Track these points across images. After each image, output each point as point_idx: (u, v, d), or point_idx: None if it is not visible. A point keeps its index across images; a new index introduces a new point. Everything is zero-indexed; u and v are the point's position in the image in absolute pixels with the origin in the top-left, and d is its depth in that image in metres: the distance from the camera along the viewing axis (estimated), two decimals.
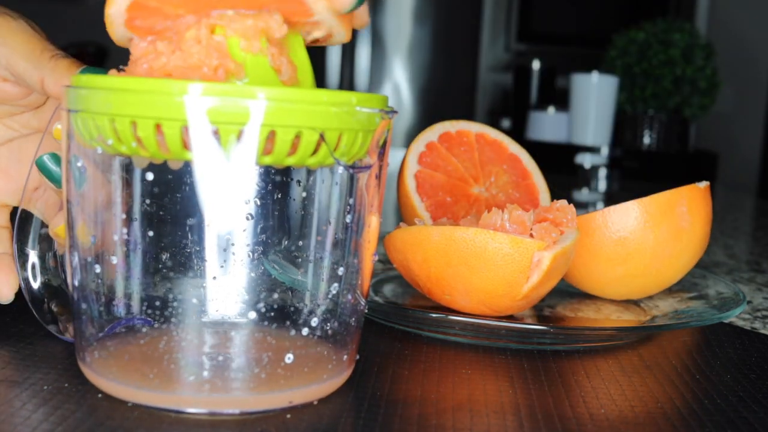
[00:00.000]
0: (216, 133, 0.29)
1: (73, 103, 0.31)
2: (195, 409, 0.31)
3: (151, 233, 0.33)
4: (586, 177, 1.53)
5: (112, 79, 0.30)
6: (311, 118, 0.29)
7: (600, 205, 1.24)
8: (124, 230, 0.32)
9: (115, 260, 0.32)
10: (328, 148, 0.30)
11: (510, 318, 0.45)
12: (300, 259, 0.35)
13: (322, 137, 0.30)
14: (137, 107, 0.29)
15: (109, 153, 0.31)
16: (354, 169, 0.32)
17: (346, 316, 0.34)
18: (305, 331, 0.34)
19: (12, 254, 0.39)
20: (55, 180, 0.37)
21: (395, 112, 0.33)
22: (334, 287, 0.34)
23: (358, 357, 0.36)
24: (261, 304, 0.33)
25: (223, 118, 0.28)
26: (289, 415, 0.31)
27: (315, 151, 0.30)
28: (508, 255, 0.41)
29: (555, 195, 0.52)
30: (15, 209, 0.40)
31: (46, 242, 0.39)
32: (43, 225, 0.39)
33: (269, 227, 0.32)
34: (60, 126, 0.34)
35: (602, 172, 1.53)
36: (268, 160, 0.30)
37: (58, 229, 0.38)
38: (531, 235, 0.43)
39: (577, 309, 0.50)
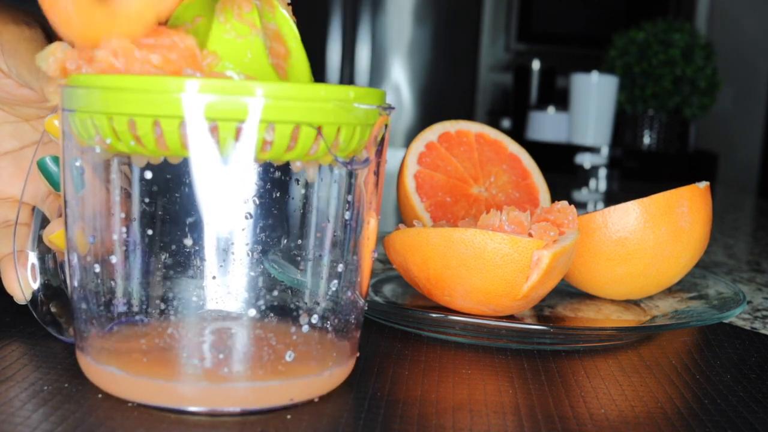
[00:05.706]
0: (214, 129, 0.29)
1: (70, 102, 0.31)
2: (196, 408, 0.31)
3: (150, 232, 0.33)
4: (586, 177, 1.53)
5: (109, 77, 0.30)
6: (309, 113, 0.29)
7: (600, 205, 1.24)
8: (123, 229, 0.32)
9: (114, 260, 0.32)
10: (326, 144, 0.30)
11: (510, 318, 0.45)
12: (299, 258, 0.35)
13: (319, 132, 0.30)
14: (135, 105, 0.29)
15: (108, 152, 0.31)
16: (352, 165, 0.32)
17: (346, 313, 0.34)
18: (305, 328, 0.34)
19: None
20: (54, 183, 0.37)
21: (393, 108, 0.33)
22: (334, 285, 0.34)
23: (358, 354, 0.36)
24: (261, 303, 0.33)
25: (221, 114, 0.28)
26: (289, 416, 0.31)
27: (313, 147, 0.30)
28: (507, 255, 0.41)
29: None
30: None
31: (45, 243, 0.39)
32: (43, 226, 0.39)
33: (268, 225, 0.32)
34: (51, 117, 0.34)
35: (602, 172, 1.53)
36: (266, 156, 0.30)
37: (52, 236, 0.37)
38: (530, 235, 0.43)
39: (577, 309, 0.50)
